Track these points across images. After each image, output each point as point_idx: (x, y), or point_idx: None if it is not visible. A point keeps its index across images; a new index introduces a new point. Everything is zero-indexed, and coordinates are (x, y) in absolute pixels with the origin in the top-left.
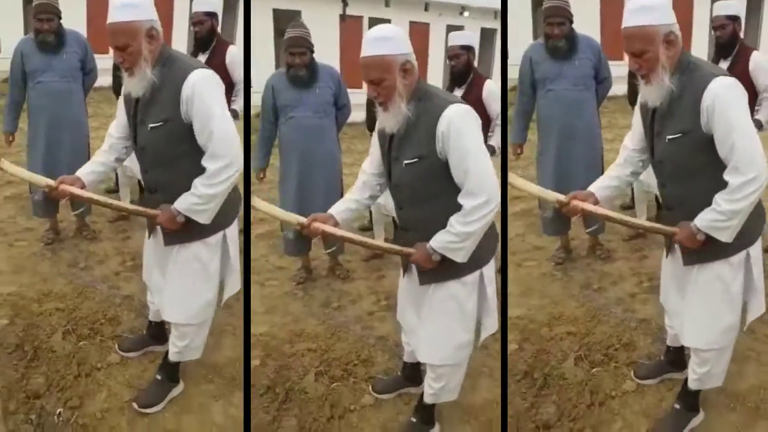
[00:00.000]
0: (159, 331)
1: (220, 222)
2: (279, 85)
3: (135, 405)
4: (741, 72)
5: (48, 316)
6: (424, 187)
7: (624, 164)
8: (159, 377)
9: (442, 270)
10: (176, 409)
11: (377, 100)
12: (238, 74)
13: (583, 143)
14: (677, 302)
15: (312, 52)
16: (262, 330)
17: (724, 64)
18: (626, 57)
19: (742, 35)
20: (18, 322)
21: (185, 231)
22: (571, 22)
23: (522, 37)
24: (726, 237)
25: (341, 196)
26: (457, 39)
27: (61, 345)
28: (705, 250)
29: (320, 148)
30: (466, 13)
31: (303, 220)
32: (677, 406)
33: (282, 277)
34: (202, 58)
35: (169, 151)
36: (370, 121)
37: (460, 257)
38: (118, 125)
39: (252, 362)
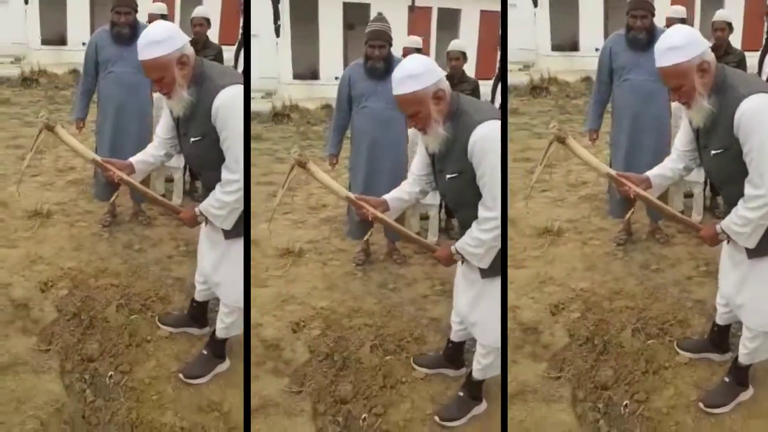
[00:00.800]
0: (200, 314)
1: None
2: (356, 76)
3: (181, 375)
4: None
5: (104, 290)
6: (468, 196)
7: (677, 160)
8: (205, 352)
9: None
10: (222, 382)
11: (416, 128)
12: None
13: (653, 132)
14: (732, 283)
15: (390, 45)
16: (323, 304)
17: None
18: None
19: None
20: (76, 293)
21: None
22: (653, 15)
23: (594, 27)
24: (743, 241)
25: None
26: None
27: (115, 317)
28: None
29: (389, 137)
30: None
31: (350, 194)
32: (727, 379)
33: (343, 258)
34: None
35: (211, 160)
36: None
37: (476, 261)
38: (164, 127)
39: (312, 332)
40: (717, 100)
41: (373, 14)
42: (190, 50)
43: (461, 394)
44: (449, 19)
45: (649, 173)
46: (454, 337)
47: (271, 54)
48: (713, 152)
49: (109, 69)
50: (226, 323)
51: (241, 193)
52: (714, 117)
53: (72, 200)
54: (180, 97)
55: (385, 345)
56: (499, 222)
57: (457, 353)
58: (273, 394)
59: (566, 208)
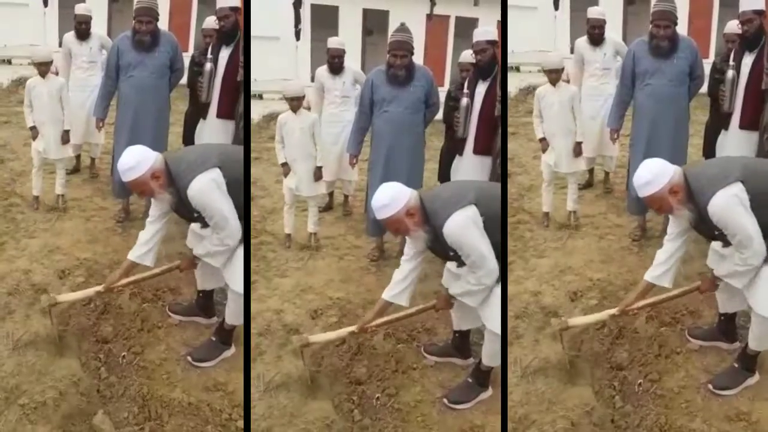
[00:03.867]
0: (207, 303)
1: None
2: (378, 81)
3: (189, 358)
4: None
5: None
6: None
7: (674, 245)
8: (213, 339)
9: None
10: (227, 366)
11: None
12: None
13: (672, 134)
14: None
15: (412, 54)
16: (339, 295)
17: (749, 57)
18: (710, 55)
19: None
20: (92, 282)
21: None
22: (676, 24)
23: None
24: (737, 284)
25: (421, 184)
26: (482, 35)
27: (128, 304)
28: None
29: (407, 141)
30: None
31: (353, 329)
32: (736, 365)
33: (358, 254)
34: (226, 51)
35: None
36: (447, 116)
37: (474, 303)
38: (154, 216)
39: (329, 319)
40: (692, 204)
41: (392, 21)
42: (159, 164)
43: (470, 380)
44: (466, 28)
45: (652, 278)
46: (456, 326)
47: (291, 56)
48: (716, 233)
49: (129, 73)
50: (232, 309)
51: (230, 243)
52: (695, 217)
53: (87, 197)
54: (162, 198)
55: (397, 334)
56: (492, 278)
57: (463, 343)
58: (293, 373)
59: (583, 204)
